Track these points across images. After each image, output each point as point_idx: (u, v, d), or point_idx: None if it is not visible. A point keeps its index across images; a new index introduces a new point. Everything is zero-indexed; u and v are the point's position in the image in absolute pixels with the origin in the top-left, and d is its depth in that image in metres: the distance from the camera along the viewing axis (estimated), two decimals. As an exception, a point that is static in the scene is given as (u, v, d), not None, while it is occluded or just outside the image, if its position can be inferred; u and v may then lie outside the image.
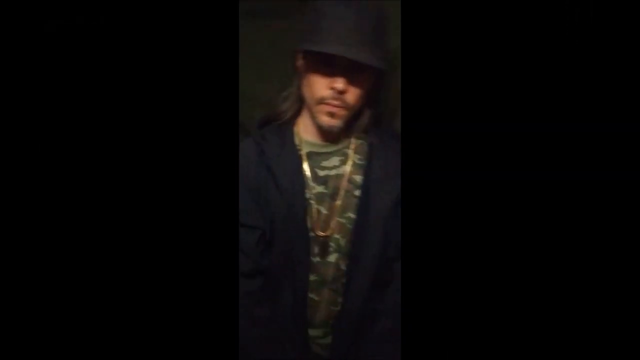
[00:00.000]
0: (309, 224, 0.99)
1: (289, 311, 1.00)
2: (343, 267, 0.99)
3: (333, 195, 1.00)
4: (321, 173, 1.01)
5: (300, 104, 1.01)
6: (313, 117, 0.98)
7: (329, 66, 0.92)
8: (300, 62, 0.98)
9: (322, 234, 0.99)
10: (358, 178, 1.01)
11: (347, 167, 1.01)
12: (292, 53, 1.00)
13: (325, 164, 1.01)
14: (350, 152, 1.02)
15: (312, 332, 1.01)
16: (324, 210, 1.00)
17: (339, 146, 1.03)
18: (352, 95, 0.94)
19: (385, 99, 1.30)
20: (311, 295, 1.00)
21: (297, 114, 1.03)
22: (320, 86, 0.94)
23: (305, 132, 1.03)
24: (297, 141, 1.02)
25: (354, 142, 1.02)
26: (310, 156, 1.01)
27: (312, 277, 0.99)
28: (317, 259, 1.00)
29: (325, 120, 0.96)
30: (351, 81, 0.93)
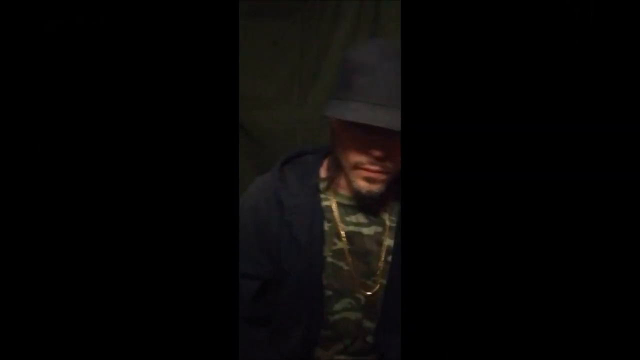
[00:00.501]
0: (325, 283, 0.91)
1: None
2: (368, 325, 0.93)
3: (361, 255, 0.92)
4: (345, 228, 0.92)
5: (337, 166, 0.91)
6: (348, 180, 0.89)
7: (364, 132, 0.82)
8: (334, 125, 0.89)
9: (364, 293, 0.91)
10: (388, 241, 0.92)
11: (376, 228, 0.93)
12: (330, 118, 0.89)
13: (350, 219, 0.93)
14: (380, 209, 0.93)
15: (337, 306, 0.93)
16: (345, 267, 0.91)
17: (369, 201, 0.92)
18: (393, 161, 0.85)
19: None
20: (318, 350, 0.94)
21: (332, 167, 0.93)
22: (355, 152, 0.85)
23: (337, 186, 0.93)
24: (322, 190, 0.93)
25: (389, 204, 0.93)
26: (336, 208, 0.93)
27: (325, 333, 0.93)
28: (335, 316, 0.92)
29: (363, 185, 0.86)
30: (391, 147, 0.83)
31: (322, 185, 0.93)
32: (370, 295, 0.91)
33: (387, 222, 0.92)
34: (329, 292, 0.91)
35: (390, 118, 0.78)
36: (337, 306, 0.92)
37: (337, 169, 0.91)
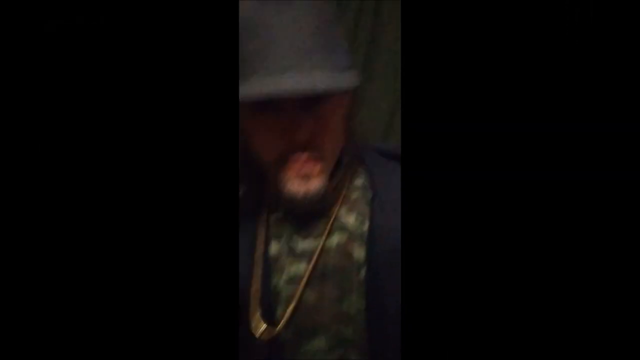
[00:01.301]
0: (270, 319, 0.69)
1: None
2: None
3: (323, 275, 0.69)
4: (300, 247, 0.71)
5: (258, 186, 0.71)
6: (278, 190, 0.68)
7: (277, 113, 0.64)
8: (243, 120, 0.67)
9: (332, 327, 0.67)
10: (360, 252, 0.70)
11: (339, 237, 0.70)
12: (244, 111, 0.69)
13: (304, 232, 0.72)
14: (343, 212, 0.70)
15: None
16: (309, 299, 0.69)
17: (323, 206, 0.71)
18: (327, 142, 0.66)
19: (380, 97, 1.23)
20: None
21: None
22: (273, 144, 0.66)
23: (275, 213, 0.73)
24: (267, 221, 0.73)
25: (349, 196, 0.71)
26: (281, 235, 0.72)
27: None
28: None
29: (297, 188, 0.66)
30: (318, 122, 0.65)
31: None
32: (351, 330, 0.69)
33: (351, 227, 0.70)
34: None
35: (296, 82, 0.60)
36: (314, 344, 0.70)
37: (259, 180, 0.70)
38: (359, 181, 0.73)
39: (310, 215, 0.70)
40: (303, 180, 0.66)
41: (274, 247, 0.71)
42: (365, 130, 1.23)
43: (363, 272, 0.68)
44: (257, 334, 0.68)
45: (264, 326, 0.68)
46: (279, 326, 0.67)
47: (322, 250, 0.69)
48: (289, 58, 0.62)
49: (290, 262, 0.69)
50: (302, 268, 0.69)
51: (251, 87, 0.63)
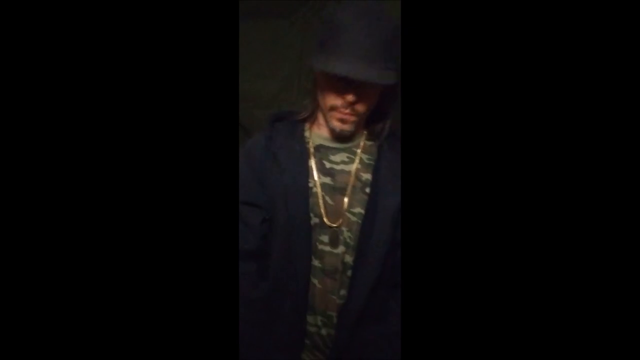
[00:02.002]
0: (312, 212, 1.03)
1: (287, 295, 1.03)
2: (349, 260, 1.03)
3: (341, 190, 1.05)
4: (328, 165, 1.06)
5: (315, 107, 1.09)
6: (326, 121, 1.06)
7: (341, 81, 0.97)
8: (317, 75, 1.04)
9: (332, 224, 1.03)
10: (366, 176, 1.06)
11: (355, 165, 1.07)
12: (309, 67, 1.05)
13: (332, 158, 1.07)
14: (359, 151, 1.08)
15: (310, 319, 1.04)
16: (330, 202, 1.04)
17: (348, 144, 1.08)
18: (363, 106, 1.02)
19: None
20: (313, 280, 1.03)
21: (312, 115, 1.10)
22: (333, 96, 1.01)
23: (317, 129, 1.09)
24: (307, 135, 1.09)
25: (363, 143, 1.09)
26: (318, 149, 1.08)
27: (315, 263, 1.03)
28: (323, 247, 1.03)
29: (337, 125, 1.03)
30: (362, 94, 1.00)
31: (307, 131, 1.09)
32: (330, 226, 1.03)
33: (365, 160, 1.07)
34: (315, 220, 1.03)
35: (364, 71, 0.94)
36: (323, 237, 1.03)
37: (317, 111, 1.08)
38: (371, 137, 1.11)
39: (338, 149, 1.08)
40: (342, 122, 1.03)
41: (312, 162, 1.07)
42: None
43: (367, 189, 1.05)
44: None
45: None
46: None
47: (341, 172, 1.07)
48: (360, 52, 0.95)
49: (321, 176, 1.06)
50: (327, 180, 1.06)
51: (327, 64, 0.96)
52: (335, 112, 1.02)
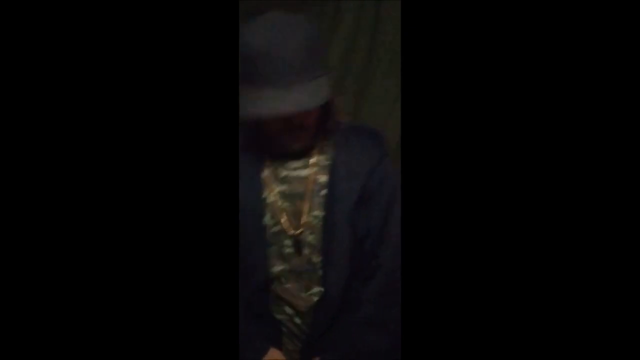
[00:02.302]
0: (273, 221, 1.04)
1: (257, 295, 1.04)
2: (316, 260, 1.04)
3: (300, 196, 1.04)
4: (283, 173, 1.04)
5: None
6: (278, 146, 1.01)
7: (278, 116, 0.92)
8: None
9: (294, 232, 1.04)
10: (322, 178, 1.05)
11: (309, 169, 1.05)
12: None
13: (287, 165, 1.05)
14: (314, 153, 1.06)
15: (282, 310, 1.06)
16: (290, 208, 1.04)
17: (305, 152, 1.06)
18: (310, 118, 0.96)
19: (381, 96, 1.30)
20: (283, 281, 1.05)
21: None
22: (277, 126, 0.95)
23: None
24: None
25: (322, 144, 1.06)
26: (272, 160, 1.04)
27: (282, 267, 1.04)
28: (289, 250, 1.04)
29: (294, 144, 0.99)
30: (304, 117, 0.94)
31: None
32: (298, 234, 1.03)
33: (320, 163, 1.05)
34: (275, 228, 1.03)
35: (295, 99, 0.88)
36: (287, 242, 1.04)
37: (264, 142, 1.02)
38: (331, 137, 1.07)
39: (298, 156, 1.04)
40: (297, 141, 0.99)
41: (266, 172, 1.04)
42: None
43: (323, 192, 1.04)
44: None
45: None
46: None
47: (296, 177, 1.04)
48: (287, 77, 0.89)
49: (276, 185, 1.04)
50: (284, 187, 1.04)
51: (258, 107, 0.90)
52: (286, 136, 0.97)
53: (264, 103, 0.88)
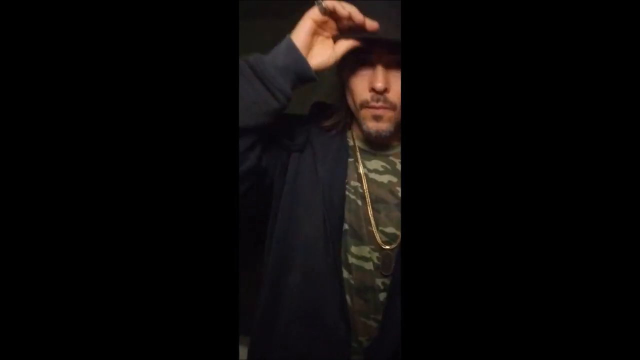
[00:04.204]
0: (345, 216, 0.92)
1: (332, 310, 0.91)
2: (379, 283, 0.92)
3: (371, 201, 0.93)
4: (361, 170, 0.95)
5: (349, 114, 0.96)
6: (360, 125, 0.93)
7: (367, 65, 0.88)
8: (341, 70, 0.93)
9: (386, 247, 0.91)
10: (398, 189, 0.94)
11: (389, 177, 0.95)
12: (336, 64, 0.93)
13: (367, 164, 0.96)
14: (398, 161, 0.96)
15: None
16: (358, 211, 0.93)
17: (387, 151, 0.96)
18: (395, 94, 0.89)
19: None
20: (346, 297, 0.92)
21: (349, 123, 0.98)
22: (361, 89, 0.90)
23: (356, 130, 0.98)
24: (348, 134, 0.98)
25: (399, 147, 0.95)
26: (355, 150, 0.96)
27: (345, 276, 0.93)
28: (354, 260, 0.93)
29: (372, 125, 0.90)
30: (390, 78, 0.88)
31: (347, 131, 0.97)
32: (386, 249, 0.92)
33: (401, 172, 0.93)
34: (346, 226, 0.92)
35: (385, 29, 0.83)
36: (354, 249, 0.92)
37: (348, 115, 0.96)
38: None
39: (375, 154, 0.96)
40: (377, 121, 0.90)
41: (349, 160, 0.95)
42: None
43: (397, 204, 0.92)
44: None
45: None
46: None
47: (373, 181, 0.94)
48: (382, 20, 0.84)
49: (354, 179, 0.94)
50: (358, 186, 0.94)
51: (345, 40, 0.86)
52: (367, 109, 0.90)
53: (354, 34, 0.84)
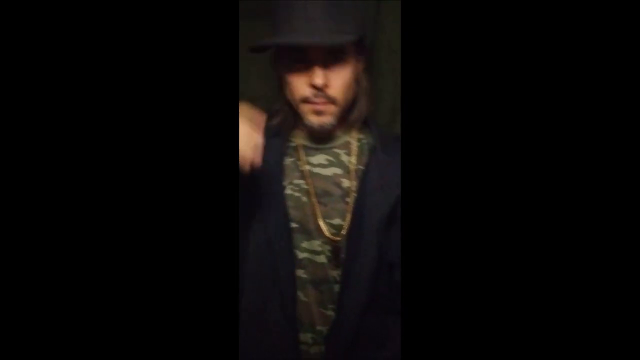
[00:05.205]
0: (292, 214, 0.94)
1: (277, 309, 0.93)
2: (332, 273, 0.95)
3: (316, 194, 0.95)
4: (303, 167, 0.96)
5: (287, 110, 0.97)
6: (302, 119, 0.94)
7: (303, 62, 0.88)
8: (277, 65, 0.94)
9: (333, 237, 0.93)
10: (346, 183, 0.96)
11: (334, 170, 0.96)
12: (270, 56, 0.96)
13: (311, 159, 0.97)
14: (342, 153, 0.98)
15: (300, 337, 0.95)
16: (304, 207, 0.95)
17: (330, 144, 0.98)
18: (336, 89, 0.90)
19: (381, 96, 1.28)
20: (298, 292, 0.94)
21: (286, 119, 0.98)
22: (299, 85, 0.90)
23: (300, 135, 0.99)
24: (291, 135, 0.99)
25: (352, 144, 0.98)
26: (297, 148, 0.97)
27: (298, 273, 0.95)
28: (305, 254, 0.95)
29: (314, 119, 0.92)
30: (330, 74, 0.89)
31: (291, 134, 0.98)
32: (333, 240, 0.94)
33: (350, 166, 0.96)
34: (293, 224, 0.94)
35: (320, 37, 0.84)
36: (305, 244, 0.95)
37: (291, 112, 0.96)
38: (362, 136, 1.00)
39: (318, 149, 0.97)
40: (318, 115, 0.91)
41: (288, 161, 0.97)
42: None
43: (347, 199, 0.94)
44: None
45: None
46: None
47: (317, 175, 0.96)
48: (315, 25, 0.86)
49: (296, 177, 0.96)
50: (302, 183, 0.95)
51: (284, 38, 0.87)
52: (308, 105, 0.91)
53: (290, 37, 0.86)
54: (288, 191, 0.96)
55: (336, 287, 0.95)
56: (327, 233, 0.94)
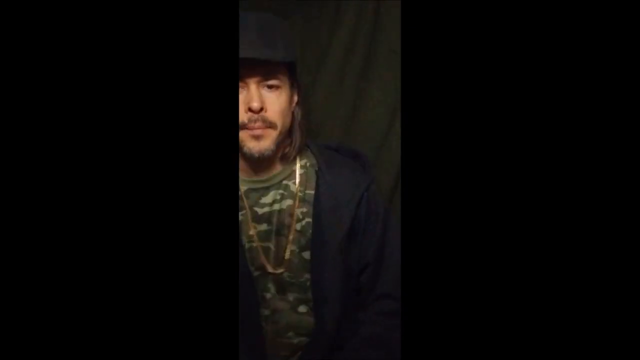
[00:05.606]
0: (254, 265, 0.97)
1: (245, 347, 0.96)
2: (303, 309, 0.98)
3: (278, 231, 0.97)
4: (260, 211, 0.97)
5: None
6: (242, 149, 0.92)
7: (239, 87, 0.89)
8: None
9: (274, 271, 0.97)
10: (301, 210, 0.97)
11: (288, 202, 0.97)
12: None
13: (263, 200, 0.98)
14: (291, 184, 0.98)
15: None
16: (272, 247, 0.97)
17: (278, 178, 0.98)
18: (273, 112, 0.90)
19: (381, 96, 1.29)
20: (265, 327, 0.98)
21: None
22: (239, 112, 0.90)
23: (241, 170, 0.98)
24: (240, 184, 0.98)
25: (297, 172, 0.99)
26: (248, 194, 0.97)
27: (266, 312, 0.98)
28: (271, 294, 0.98)
29: (253, 145, 0.91)
30: (267, 97, 0.90)
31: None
32: (279, 272, 0.97)
33: (298, 193, 0.97)
34: (256, 273, 0.97)
35: (254, 51, 0.85)
36: (270, 286, 0.98)
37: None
38: (304, 161, 1.01)
39: (267, 187, 0.97)
40: (257, 140, 0.90)
41: (243, 212, 0.97)
42: (365, 130, 1.26)
43: (299, 226, 0.96)
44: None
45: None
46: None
47: (277, 212, 0.97)
48: (250, 41, 0.86)
49: (255, 224, 0.97)
50: (263, 227, 0.97)
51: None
52: (246, 131, 0.90)
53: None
54: (247, 245, 0.97)
55: (313, 319, 0.98)
56: (269, 269, 0.97)
